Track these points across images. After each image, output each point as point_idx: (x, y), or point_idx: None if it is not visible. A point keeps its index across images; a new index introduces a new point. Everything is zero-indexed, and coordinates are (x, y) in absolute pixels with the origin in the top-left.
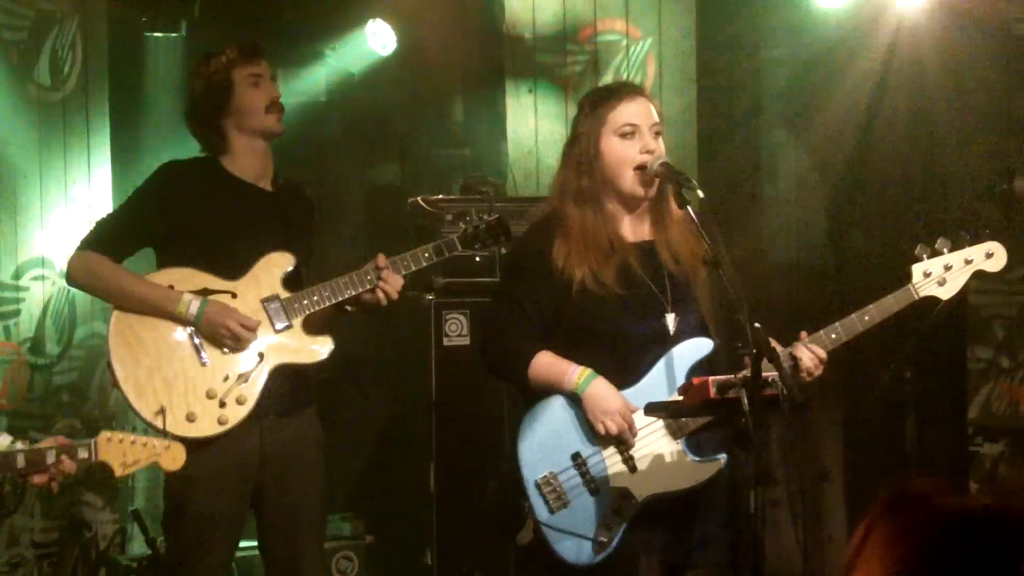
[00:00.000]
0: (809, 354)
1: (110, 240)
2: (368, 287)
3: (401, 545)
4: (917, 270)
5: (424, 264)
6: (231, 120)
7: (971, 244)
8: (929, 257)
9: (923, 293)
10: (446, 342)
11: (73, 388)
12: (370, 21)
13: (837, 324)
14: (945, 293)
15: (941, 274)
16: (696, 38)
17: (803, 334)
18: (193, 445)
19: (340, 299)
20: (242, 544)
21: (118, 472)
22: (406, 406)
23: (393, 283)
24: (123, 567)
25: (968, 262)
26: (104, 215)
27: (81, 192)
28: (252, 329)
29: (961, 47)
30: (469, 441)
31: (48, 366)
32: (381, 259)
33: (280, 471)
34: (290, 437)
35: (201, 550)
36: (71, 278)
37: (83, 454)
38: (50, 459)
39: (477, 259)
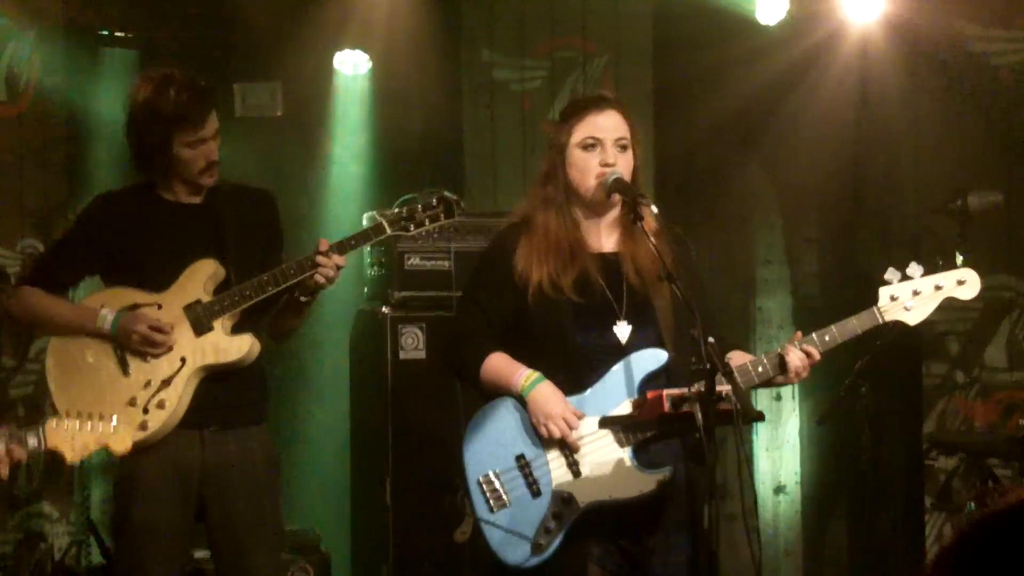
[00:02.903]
0: (799, 354)
1: (46, 273)
2: (294, 280)
3: (357, 559)
4: (884, 293)
5: (349, 249)
6: (167, 167)
7: (943, 270)
8: (899, 281)
9: (888, 317)
10: (402, 355)
11: (28, 401)
12: (339, 52)
13: (813, 335)
14: (912, 319)
15: (908, 299)
16: (653, 55)
17: (798, 334)
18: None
19: (264, 295)
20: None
21: (69, 457)
22: (362, 419)
23: (327, 263)
24: None
25: (938, 288)
26: (42, 251)
27: (36, 206)
28: (163, 331)
29: (916, 65)
30: (425, 455)
31: (3, 379)
32: (323, 244)
33: (223, 485)
34: (235, 451)
35: (143, 559)
36: (9, 314)
37: (32, 442)
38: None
39: (416, 239)
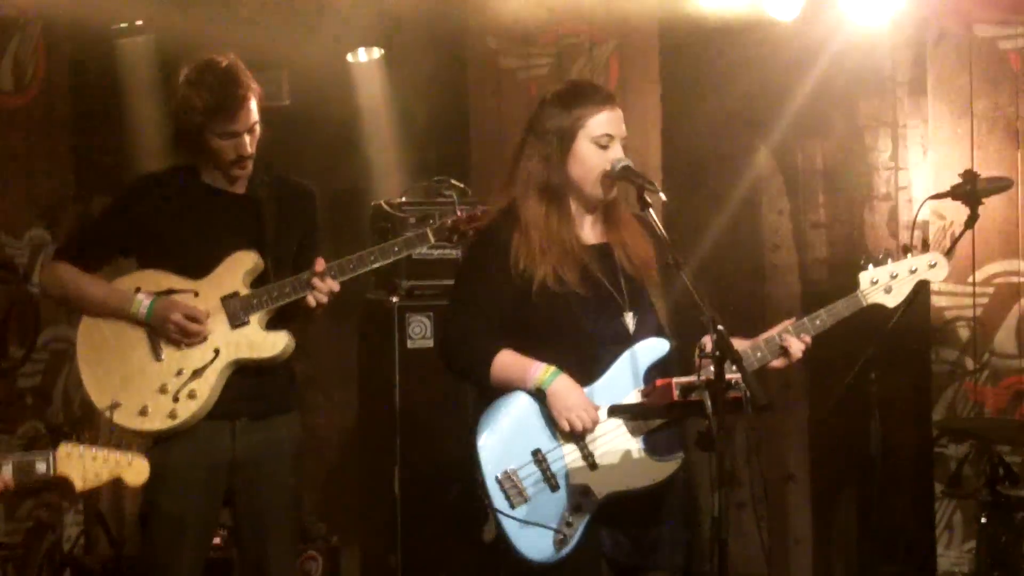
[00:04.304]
0: (800, 344)
1: (80, 250)
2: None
3: (366, 547)
4: (864, 278)
5: (383, 262)
6: (200, 154)
7: (916, 255)
8: (875, 266)
9: (871, 300)
10: (410, 344)
11: (37, 391)
12: (345, 40)
13: (805, 320)
14: (891, 301)
15: (888, 282)
16: (659, 40)
17: (792, 320)
18: (158, 442)
19: (299, 296)
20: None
21: (78, 486)
22: (370, 409)
23: (322, 287)
24: (87, 568)
25: (912, 271)
26: (78, 225)
27: (43, 197)
28: (198, 321)
29: (923, 49)
30: (433, 444)
31: (11, 369)
32: (319, 263)
33: (252, 475)
34: (264, 441)
35: (170, 549)
36: (42, 288)
37: (41, 468)
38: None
39: (435, 253)
